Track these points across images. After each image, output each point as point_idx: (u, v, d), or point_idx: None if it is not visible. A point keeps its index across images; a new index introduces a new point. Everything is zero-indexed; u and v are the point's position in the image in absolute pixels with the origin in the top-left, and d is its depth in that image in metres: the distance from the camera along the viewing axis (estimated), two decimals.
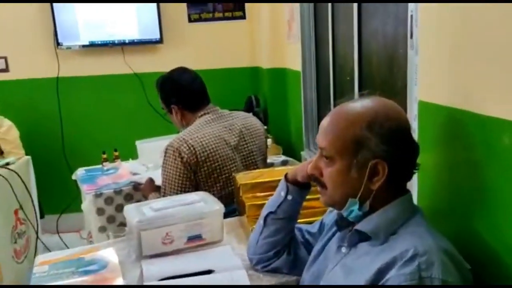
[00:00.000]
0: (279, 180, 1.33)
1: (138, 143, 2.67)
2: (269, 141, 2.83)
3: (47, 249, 2.92)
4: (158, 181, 2.10)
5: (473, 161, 1.10)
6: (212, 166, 1.92)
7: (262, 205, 1.39)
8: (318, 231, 1.31)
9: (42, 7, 3.55)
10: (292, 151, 3.15)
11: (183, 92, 2.04)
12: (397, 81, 1.71)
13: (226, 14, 3.86)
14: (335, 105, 2.55)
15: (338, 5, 2.48)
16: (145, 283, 1.27)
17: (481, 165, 1.07)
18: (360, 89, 2.15)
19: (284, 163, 2.79)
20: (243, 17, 3.88)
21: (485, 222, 1.07)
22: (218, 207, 1.53)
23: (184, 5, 3.78)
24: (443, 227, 1.12)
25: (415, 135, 1.33)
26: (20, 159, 2.79)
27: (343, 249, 1.09)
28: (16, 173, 2.57)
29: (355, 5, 2.11)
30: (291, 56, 3.23)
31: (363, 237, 1.05)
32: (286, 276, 1.33)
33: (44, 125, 3.73)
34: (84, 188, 2.43)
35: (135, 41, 3.69)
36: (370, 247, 1.03)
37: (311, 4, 2.93)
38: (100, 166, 2.71)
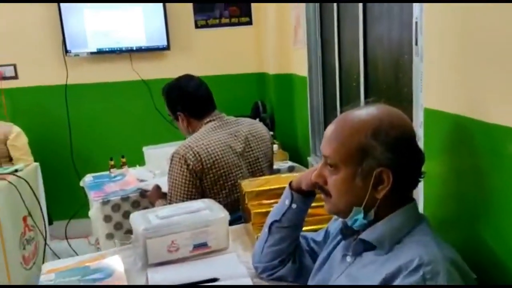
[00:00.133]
0: (284, 188, 1.33)
1: (145, 149, 2.68)
2: (276, 147, 2.83)
3: (56, 255, 2.95)
4: (165, 188, 2.11)
5: (479, 169, 1.09)
6: (217, 173, 1.92)
7: (267, 213, 1.38)
8: (323, 239, 1.30)
9: (51, 15, 3.60)
10: (298, 157, 3.15)
11: (189, 99, 2.05)
12: (403, 87, 1.70)
13: (233, 20, 3.88)
14: (341, 111, 2.55)
15: (344, 10, 2.48)
16: None
17: (487, 173, 1.06)
18: (366, 95, 2.14)
19: (290, 169, 2.78)
20: (249, 23, 3.90)
21: (491, 230, 1.06)
22: (223, 214, 1.53)
23: (191, 11, 3.80)
24: (449, 235, 1.11)
25: (421, 142, 1.33)
26: (28, 166, 2.81)
27: (348, 258, 1.09)
28: (24, 180, 2.60)
29: (361, 10, 2.11)
30: (297, 61, 3.24)
31: (368, 246, 1.04)
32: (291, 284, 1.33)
33: (52, 131, 3.77)
34: (91, 195, 2.44)
35: (143, 48, 3.71)
36: (375, 257, 1.02)
37: (317, 10, 2.93)
38: (107, 172, 2.73)
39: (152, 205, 2.21)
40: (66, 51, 3.63)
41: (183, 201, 1.87)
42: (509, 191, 0.99)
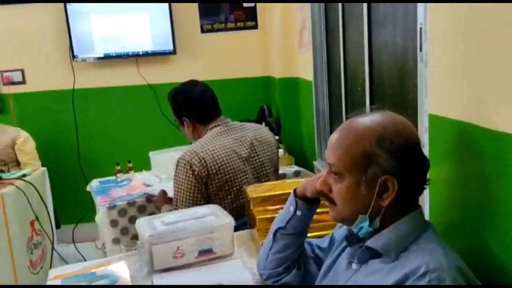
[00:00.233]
0: (289, 193, 1.33)
1: (151, 154, 2.69)
2: (281, 151, 2.83)
3: (63, 260, 2.96)
4: (171, 193, 2.11)
5: (484, 176, 1.09)
6: (223, 179, 1.93)
7: (272, 219, 1.39)
8: (328, 245, 1.30)
9: (58, 21, 3.63)
10: (304, 161, 3.15)
11: (194, 105, 2.06)
12: (407, 93, 1.70)
13: (238, 24, 3.89)
14: (346, 116, 2.55)
15: (349, 14, 2.48)
16: None
17: (493, 180, 1.06)
18: (371, 100, 2.14)
19: (296, 173, 2.78)
20: (255, 27, 3.91)
21: (497, 238, 1.06)
22: (228, 220, 1.53)
23: (197, 16, 3.82)
24: (454, 242, 1.10)
25: (426, 148, 1.32)
26: (36, 171, 2.83)
27: (354, 266, 1.08)
28: (32, 185, 2.61)
29: (365, 15, 2.11)
30: (303, 65, 3.24)
31: (374, 253, 1.04)
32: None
33: (60, 136, 3.80)
34: (98, 200, 2.45)
35: (149, 52, 3.73)
36: (381, 264, 1.02)
37: (322, 14, 2.93)
38: (114, 177, 2.74)
39: (158, 210, 2.21)
40: (73, 56, 3.66)
41: (188, 206, 1.87)
42: None
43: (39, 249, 2.74)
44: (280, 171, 2.34)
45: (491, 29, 1.02)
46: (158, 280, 1.39)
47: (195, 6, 3.81)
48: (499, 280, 1.04)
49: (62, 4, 3.57)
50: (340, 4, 2.55)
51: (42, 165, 3.15)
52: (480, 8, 1.04)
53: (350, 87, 2.54)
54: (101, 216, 2.34)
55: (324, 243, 1.32)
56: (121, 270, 1.45)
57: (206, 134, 2.03)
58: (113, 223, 2.33)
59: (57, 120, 3.79)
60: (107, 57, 3.70)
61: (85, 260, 3.09)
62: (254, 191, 1.72)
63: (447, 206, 1.28)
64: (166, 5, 3.66)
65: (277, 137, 2.41)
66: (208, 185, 1.91)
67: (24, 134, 3.30)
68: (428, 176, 1.04)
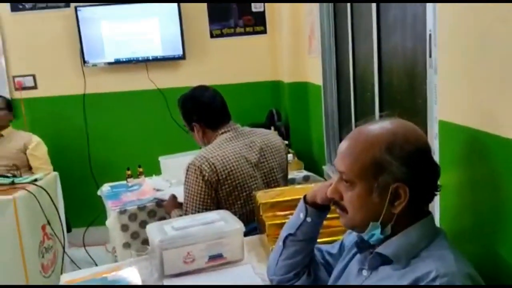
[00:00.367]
0: (298, 199, 1.33)
1: (161, 159, 2.71)
2: (290, 156, 2.84)
3: (74, 263, 2.98)
4: (181, 198, 2.13)
5: (494, 182, 1.08)
6: (233, 184, 1.94)
7: (282, 224, 1.39)
8: (338, 252, 1.30)
9: (69, 27, 3.68)
10: (314, 166, 3.15)
11: (204, 110, 2.07)
12: (417, 98, 1.69)
13: (248, 29, 3.91)
14: (356, 121, 2.55)
15: (358, 20, 2.48)
16: None
17: (503, 186, 1.05)
18: (380, 105, 2.14)
19: (305, 178, 2.78)
20: (264, 31, 3.92)
21: (508, 244, 1.05)
22: (238, 226, 1.54)
23: (206, 21, 3.84)
24: (465, 248, 1.10)
25: (436, 155, 1.32)
26: (48, 175, 2.86)
27: (365, 272, 1.09)
28: (44, 189, 2.64)
29: (374, 21, 2.11)
30: (312, 70, 3.24)
31: (385, 260, 1.04)
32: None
33: (71, 140, 3.84)
34: (108, 204, 2.47)
35: (159, 57, 3.76)
36: (391, 271, 1.02)
37: (331, 19, 2.94)
38: (124, 182, 2.77)
39: (168, 214, 2.23)
40: (84, 62, 3.70)
41: (198, 211, 1.89)
42: None
43: (50, 253, 2.77)
44: (289, 176, 2.34)
45: (501, 36, 1.01)
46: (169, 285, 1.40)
47: (204, 11, 3.83)
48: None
49: (73, 11, 3.62)
50: (349, 9, 2.56)
51: (54, 170, 3.19)
52: (491, 14, 1.04)
53: (359, 92, 2.54)
54: (112, 220, 2.36)
55: (334, 249, 1.32)
56: (132, 275, 1.47)
57: (216, 139, 2.04)
58: (124, 228, 2.35)
59: (68, 124, 3.84)
60: (117, 62, 3.73)
61: (95, 263, 3.12)
62: (263, 196, 1.73)
63: (457, 212, 1.28)
64: (175, 10, 3.69)
65: (286, 142, 2.41)
66: (218, 191, 1.92)
67: (36, 139, 3.34)
68: (438, 182, 1.04)
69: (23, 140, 3.31)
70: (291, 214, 1.35)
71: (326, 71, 2.99)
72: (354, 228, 1.10)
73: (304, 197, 1.30)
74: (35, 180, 2.68)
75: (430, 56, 1.36)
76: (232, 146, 2.00)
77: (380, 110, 2.12)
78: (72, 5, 3.66)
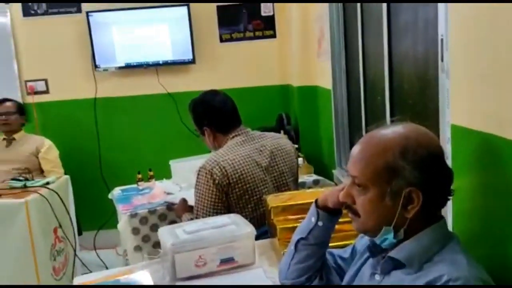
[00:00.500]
0: (309, 203, 1.33)
1: (172, 163, 2.72)
2: (300, 160, 2.84)
3: (85, 266, 3.01)
4: (191, 202, 2.14)
5: (508, 187, 1.08)
6: (243, 188, 1.94)
7: (293, 228, 1.39)
8: (350, 256, 1.30)
9: (81, 32, 3.72)
10: (323, 170, 3.14)
11: (215, 115, 2.08)
12: (428, 103, 1.69)
13: (257, 33, 3.92)
14: (366, 124, 2.54)
15: (368, 23, 2.48)
16: None
17: None
18: (391, 109, 2.13)
19: (315, 182, 2.78)
20: (273, 36, 3.93)
21: None
22: (249, 229, 1.55)
23: (215, 26, 3.87)
24: (478, 252, 1.10)
25: (449, 159, 1.32)
26: (59, 179, 2.88)
27: (377, 277, 1.08)
28: (55, 192, 2.66)
29: (385, 24, 2.11)
30: (321, 74, 3.25)
31: (397, 264, 1.04)
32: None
33: (82, 144, 3.87)
34: (119, 208, 2.49)
35: (169, 61, 3.79)
36: (404, 275, 1.02)
37: (341, 23, 2.94)
38: (135, 185, 2.78)
39: (179, 218, 2.24)
40: (95, 66, 3.74)
41: (209, 215, 1.89)
42: None
43: (61, 255, 2.79)
44: (299, 180, 2.34)
45: None
46: None
47: (214, 16, 3.86)
48: None
49: (84, 16, 3.66)
50: (359, 13, 2.56)
51: (65, 173, 3.22)
52: (503, 18, 1.04)
53: (370, 96, 2.53)
54: (123, 223, 2.37)
55: (346, 253, 1.32)
56: (144, 278, 1.47)
57: (226, 143, 2.05)
58: (135, 231, 2.36)
59: (79, 128, 3.87)
60: (128, 66, 3.77)
61: (106, 266, 3.14)
62: (274, 200, 1.73)
63: (470, 217, 1.27)
64: (185, 15, 3.71)
65: (296, 146, 2.41)
66: (229, 194, 1.93)
67: (47, 143, 3.37)
68: (451, 187, 1.04)
69: (35, 143, 3.34)
70: (302, 218, 1.36)
71: (336, 75, 2.99)
72: (367, 232, 1.10)
73: (316, 201, 1.30)
74: (47, 183, 2.71)
75: (442, 60, 1.36)
76: (242, 150, 2.00)
77: (391, 115, 2.12)
78: (84, 10, 3.70)
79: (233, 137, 2.06)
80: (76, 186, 3.11)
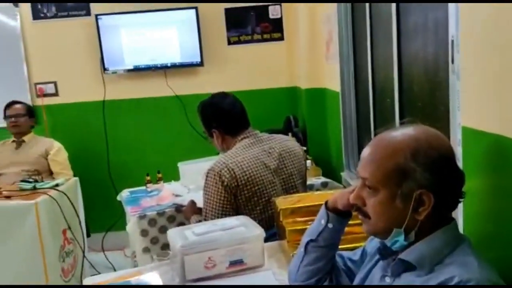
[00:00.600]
0: (319, 205, 1.33)
1: (180, 165, 2.73)
2: (308, 162, 2.83)
3: (93, 267, 3.02)
4: (200, 204, 2.14)
5: None
6: (252, 190, 1.94)
7: (302, 230, 1.39)
8: (360, 258, 1.29)
9: (90, 35, 3.75)
10: (331, 172, 3.14)
11: (224, 117, 2.08)
12: (439, 105, 1.68)
13: (265, 36, 3.93)
14: (375, 127, 2.53)
15: (377, 26, 2.48)
16: None
17: None
18: (400, 111, 2.13)
19: (324, 184, 2.78)
20: (281, 38, 3.94)
21: None
22: (259, 231, 1.55)
23: (223, 28, 3.88)
24: (489, 254, 1.09)
25: (460, 161, 1.31)
26: (68, 181, 2.90)
27: (388, 279, 1.08)
28: (65, 194, 2.68)
29: (395, 26, 2.11)
30: (329, 76, 3.24)
31: (408, 266, 1.03)
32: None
33: (91, 146, 3.89)
34: (128, 209, 2.50)
35: (177, 64, 3.80)
36: (415, 277, 1.01)
37: (349, 25, 2.94)
38: (144, 187, 2.80)
39: (187, 220, 2.24)
40: (104, 69, 3.76)
41: (218, 217, 1.89)
42: None
43: (70, 257, 2.80)
44: (308, 182, 2.34)
45: None
46: None
47: (222, 18, 3.87)
48: None
49: (94, 19, 3.69)
50: (368, 15, 2.56)
51: (74, 175, 3.23)
52: None
53: (379, 98, 2.53)
54: (132, 225, 2.38)
55: (355, 255, 1.31)
56: (154, 280, 1.48)
57: (235, 145, 2.05)
58: (144, 233, 2.37)
59: (88, 130, 3.90)
60: (136, 69, 3.79)
61: (114, 268, 3.15)
62: (283, 202, 1.73)
63: (481, 219, 1.26)
64: (194, 18, 3.73)
65: (304, 148, 2.41)
66: (237, 196, 1.93)
67: (57, 145, 3.40)
68: (463, 189, 1.03)
69: (44, 145, 3.37)
70: (311, 220, 1.36)
71: (344, 77, 2.99)
72: (377, 234, 1.09)
73: (326, 203, 1.30)
74: (56, 185, 2.72)
75: (453, 62, 1.35)
76: (251, 152, 2.01)
77: (401, 117, 2.11)
78: (93, 13, 3.73)
79: (241, 139, 2.06)
80: (84, 188, 3.13)
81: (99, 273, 2.78)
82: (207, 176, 1.96)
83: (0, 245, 2.49)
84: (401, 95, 2.12)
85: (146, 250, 2.37)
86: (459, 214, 1.32)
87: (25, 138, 3.39)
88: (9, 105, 3.40)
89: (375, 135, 1.10)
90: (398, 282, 1.05)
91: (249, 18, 3.90)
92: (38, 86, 3.86)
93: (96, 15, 3.69)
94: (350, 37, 2.94)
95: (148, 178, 2.85)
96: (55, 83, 3.87)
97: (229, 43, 3.91)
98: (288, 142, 2.17)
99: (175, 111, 3.83)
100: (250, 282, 1.44)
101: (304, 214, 1.64)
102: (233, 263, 1.50)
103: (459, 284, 0.90)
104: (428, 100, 1.85)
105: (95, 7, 3.75)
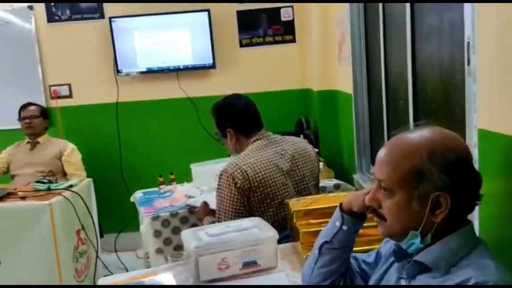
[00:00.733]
0: (332, 207, 1.33)
1: (192, 167, 2.74)
2: (321, 164, 2.83)
3: (106, 268, 3.04)
4: (212, 205, 2.15)
5: None
6: (264, 192, 1.94)
7: (316, 232, 1.39)
8: (374, 260, 1.29)
9: (104, 38, 3.78)
10: (343, 174, 3.13)
11: (239, 117, 2.09)
12: (454, 107, 1.67)
13: (277, 38, 3.93)
14: (388, 129, 2.51)
15: (391, 28, 2.47)
16: None
17: None
18: (415, 113, 2.11)
19: (336, 187, 2.77)
20: (293, 40, 3.94)
21: None
22: (272, 233, 1.55)
23: (235, 31, 3.89)
24: (506, 258, 1.08)
25: (476, 163, 1.30)
26: (82, 182, 2.93)
27: (403, 281, 1.08)
28: (78, 195, 2.70)
29: (409, 28, 2.10)
30: (342, 78, 3.24)
31: (423, 268, 1.03)
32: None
33: (104, 148, 3.93)
34: (141, 210, 2.52)
35: (189, 66, 3.83)
36: (430, 279, 1.01)
37: (362, 27, 2.93)
38: (157, 188, 2.81)
39: (200, 221, 2.25)
40: (118, 71, 3.79)
41: (231, 218, 1.90)
42: None
43: (84, 257, 2.83)
44: (320, 184, 2.33)
45: None
46: None
47: (234, 21, 3.88)
48: None
49: (107, 21, 3.73)
50: (381, 16, 2.55)
51: (87, 176, 3.26)
52: None
53: (392, 101, 2.51)
54: (145, 226, 2.40)
55: (370, 258, 1.31)
56: (168, 280, 1.49)
57: (248, 147, 2.05)
58: (157, 234, 2.38)
59: (101, 132, 3.93)
60: (149, 71, 3.81)
61: (126, 269, 3.17)
62: (296, 204, 1.73)
63: (497, 222, 1.25)
64: (206, 20, 3.75)
65: (316, 150, 2.41)
66: (250, 198, 1.93)
67: (71, 146, 3.43)
68: (480, 192, 1.03)
69: (58, 147, 3.41)
70: (325, 222, 1.35)
71: (357, 79, 2.98)
72: (393, 237, 1.09)
73: (340, 205, 1.29)
74: (70, 186, 2.75)
75: (469, 64, 1.34)
76: (264, 153, 2.01)
77: (415, 119, 2.10)
78: (107, 16, 3.76)
79: (254, 140, 2.06)
80: (97, 189, 3.15)
81: (112, 273, 2.80)
82: (220, 178, 1.96)
83: (15, 245, 2.52)
84: (415, 97, 2.11)
85: (159, 251, 2.38)
86: (475, 216, 1.31)
87: (40, 139, 3.43)
88: (23, 107, 3.44)
89: (389, 137, 1.10)
90: (413, 284, 1.05)
91: (261, 21, 3.91)
92: (53, 88, 3.90)
93: (110, 18, 3.73)
94: (363, 38, 2.94)
95: (161, 179, 2.86)
96: (69, 85, 3.91)
97: (241, 45, 3.92)
98: (301, 144, 2.17)
99: (187, 113, 3.85)
100: (263, 283, 1.44)
101: (317, 216, 1.64)
102: (246, 265, 1.50)
103: (475, 284, 0.89)
104: (443, 102, 1.84)
105: (108, 10, 3.79)
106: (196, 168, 2.73)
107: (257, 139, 2.06)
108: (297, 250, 1.68)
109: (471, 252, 0.99)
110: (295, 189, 2.05)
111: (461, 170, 0.99)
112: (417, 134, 1.03)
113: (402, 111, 2.26)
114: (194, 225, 2.35)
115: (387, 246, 1.24)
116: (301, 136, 3.31)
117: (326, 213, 1.53)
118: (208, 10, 3.75)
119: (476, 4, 1.28)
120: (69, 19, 3.83)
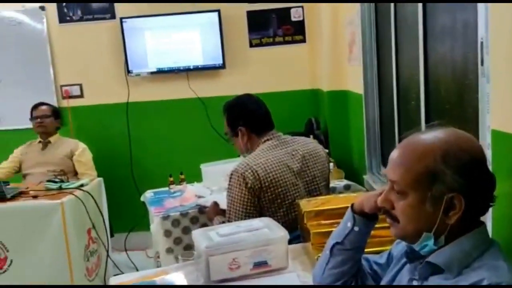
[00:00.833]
0: (343, 208, 1.33)
1: (202, 167, 2.75)
2: (331, 165, 2.82)
3: (116, 267, 3.06)
4: (222, 205, 2.15)
5: None
6: (275, 192, 1.94)
7: (327, 233, 1.39)
8: (386, 262, 1.28)
9: (114, 38, 3.81)
10: (353, 175, 3.11)
11: (251, 115, 2.09)
12: (467, 107, 1.66)
13: (287, 38, 3.93)
14: (399, 130, 2.49)
15: (402, 28, 2.45)
16: None
17: None
18: (427, 114, 2.10)
19: (346, 187, 2.76)
20: (303, 41, 3.93)
21: None
22: (283, 233, 1.55)
23: (245, 31, 3.90)
24: None
25: (489, 165, 1.29)
26: (93, 181, 2.95)
27: (415, 282, 1.07)
28: (89, 194, 2.72)
29: (421, 28, 2.08)
30: (352, 79, 3.22)
31: (435, 269, 1.02)
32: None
33: (115, 147, 3.95)
34: (152, 210, 2.53)
35: (199, 67, 3.84)
36: (443, 281, 1.00)
37: (373, 27, 2.92)
38: (167, 188, 2.82)
39: (210, 221, 2.26)
40: (128, 71, 3.82)
41: (241, 218, 1.90)
42: None
43: (95, 256, 2.84)
44: (330, 185, 2.32)
45: None
46: None
47: (244, 21, 3.89)
48: None
49: (118, 22, 3.75)
50: (392, 16, 2.53)
51: (98, 176, 3.28)
52: None
53: (403, 101, 2.50)
54: (156, 226, 2.41)
55: (382, 259, 1.30)
56: (179, 280, 1.49)
57: (258, 147, 2.05)
58: (167, 233, 2.39)
59: (112, 132, 3.96)
60: (159, 71, 3.83)
61: (136, 268, 3.19)
62: (307, 205, 1.73)
63: (511, 223, 1.24)
64: (216, 21, 3.76)
65: (326, 151, 2.40)
66: (261, 198, 1.94)
67: (82, 146, 3.46)
68: (494, 193, 1.02)
69: (69, 146, 3.43)
70: (336, 222, 1.35)
71: (368, 80, 2.96)
72: (406, 238, 1.08)
73: (352, 206, 1.29)
74: (82, 185, 2.77)
75: (482, 64, 1.33)
76: (274, 154, 2.01)
77: (427, 119, 2.08)
78: (118, 16, 3.79)
79: (265, 141, 2.06)
80: (108, 188, 3.17)
81: (122, 272, 2.82)
82: (230, 178, 1.97)
83: (27, 243, 2.54)
84: (427, 97, 2.10)
85: (169, 250, 2.39)
86: (488, 217, 1.30)
87: (51, 139, 3.46)
88: (35, 107, 3.48)
89: (399, 138, 1.10)
90: (425, 285, 1.04)
91: (271, 21, 3.91)
92: (64, 88, 3.93)
93: (121, 18, 3.75)
94: (374, 39, 2.92)
95: (171, 179, 2.87)
96: (80, 85, 3.94)
97: (251, 45, 3.93)
98: (311, 144, 2.17)
99: (197, 113, 3.86)
100: (274, 284, 1.44)
101: (328, 217, 1.64)
102: (257, 265, 1.50)
103: (488, 286, 0.89)
104: (456, 102, 1.83)
105: (120, 11, 3.81)
106: (206, 168, 2.74)
107: (268, 139, 2.07)
108: (307, 251, 1.67)
109: (484, 254, 0.99)
110: (305, 189, 2.05)
111: (475, 171, 0.98)
112: (431, 135, 1.03)
113: (414, 111, 2.24)
114: (204, 225, 2.35)
115: (398, 247, 1.23)
116: (311, 136, 3.30)
117: (337, 213, 1.53)
118: (218, 11, 3.75)
119: (489, 4, 1.27)
120: (81, 19, 3.86)
